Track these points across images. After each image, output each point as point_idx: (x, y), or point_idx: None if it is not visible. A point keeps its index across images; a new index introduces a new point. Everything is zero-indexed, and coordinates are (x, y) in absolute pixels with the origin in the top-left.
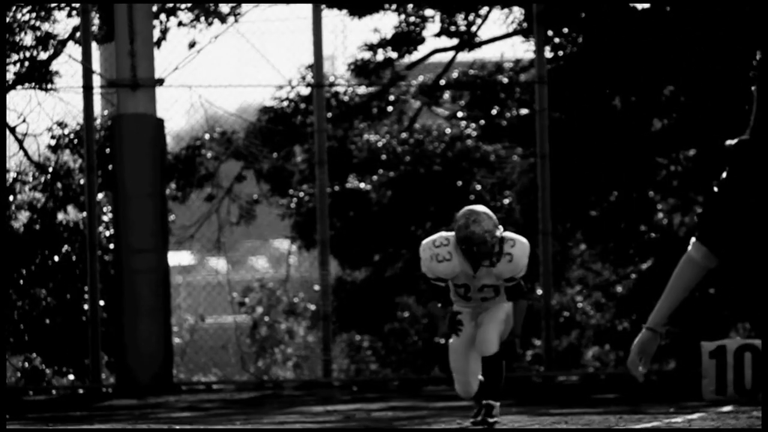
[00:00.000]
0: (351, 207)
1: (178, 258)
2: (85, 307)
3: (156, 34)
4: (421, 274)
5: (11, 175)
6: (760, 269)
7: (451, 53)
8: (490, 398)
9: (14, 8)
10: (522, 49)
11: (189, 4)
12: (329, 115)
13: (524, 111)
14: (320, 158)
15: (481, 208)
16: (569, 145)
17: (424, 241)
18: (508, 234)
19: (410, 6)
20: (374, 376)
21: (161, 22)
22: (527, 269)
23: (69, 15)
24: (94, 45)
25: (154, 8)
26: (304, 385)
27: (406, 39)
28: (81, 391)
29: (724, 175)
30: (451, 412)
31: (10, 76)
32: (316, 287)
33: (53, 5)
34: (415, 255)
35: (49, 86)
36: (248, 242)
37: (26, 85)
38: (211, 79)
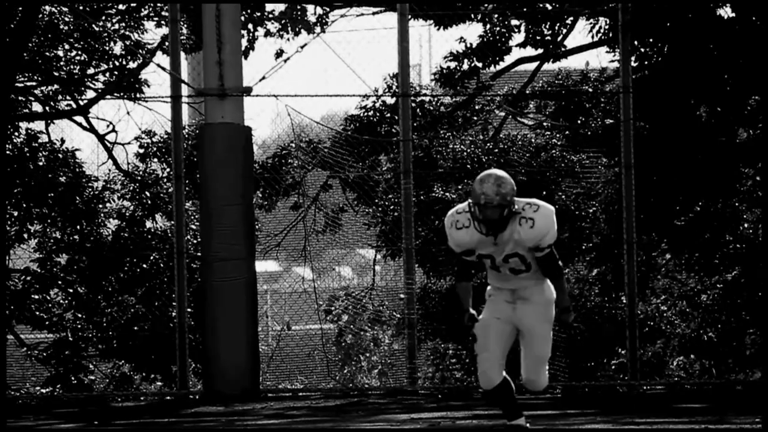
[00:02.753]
0: (436, 216)
1: (264, 266)
2: (173, 314)
3: (244, 43)
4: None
5: (100, 183)
6: None
7: (536, 63)
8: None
9: (104, 17)
10: (607, 59)
11: (279, 10)
12: (414, 124)
13: (609, 121)
14: (406, 167)
15: (499, 171)
16: (654, 154)
17: (449, 211)
18: (534, 200)
19: (496, 16)
20: (459, 384)
21: (249, 32)
22: (556, 238)
23: (158, 25)
24: (182, 54)
25: (242, 18)
26: (390, 393)
27: (491, 48)
28: (168, 397)
29: None
30: (535, 420)
31: (99, 85)
32: (402, 295)
33: (143, 15)
34: None
35: (137, 95)
36: (333, 251)
37: (115, 94)
38: (297, 88)
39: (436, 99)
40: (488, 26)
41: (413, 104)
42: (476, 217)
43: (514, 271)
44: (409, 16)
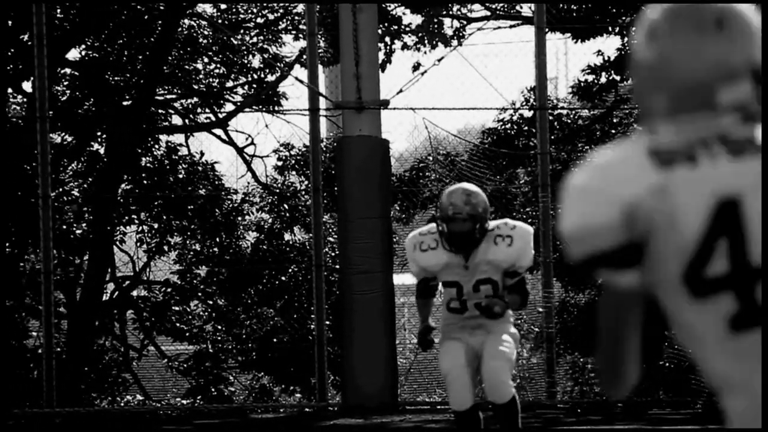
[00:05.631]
0: None
1: (401, 279)
2: (312, 326)
3: (381, 56)
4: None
5: (239, 196)
6: None
7: None
8: None
9: (242, 31)
10: None
11: (416, 24)
12: (552, 137)
13: None
14: (543, 181)
15: (470, 185)
16: None
17: (411, 233)
18: (509, 220)
19: (634, 29)
20: (598, 399)
21: (386, 45)
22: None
23: (296, 38)
24: (320, 67)
25: (380, 31)
26: (528, 407)
27: (629, 61)
28: (307, 410)
29: None
30: None
31: (237, 98)
32: (540, 309)
33: (281, 28)
34: None
35: (276, 108)
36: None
37: (254, 107)
38: (434, 101)
39: (573, 112)
40: (626, 39)
41: (551, 117)
42: (443, 233)
43: (481, 308)
44: (546, 29)
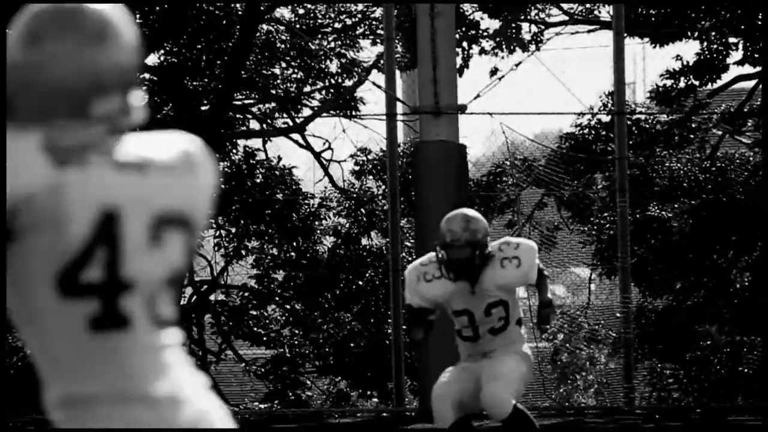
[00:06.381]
0: (652, 234)
1: None
2: (389, 331)
3: (458, 61)
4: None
5: (316, 201)
6: None
7: (754, 81)
8: None
9: (320, 36)
10: None
11: (493, 29)
12: (630, 142)
13: None
14: (621, 185)
15: (470, 210)
16: None
17: (411, 265)
18: (509, 238)
19: (713, 33)
20: (677, 405)
21: (464, 50)
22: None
23: (373, 43)
24: (397, 72)
25: (457, 36)
26: (606, 413)
27: (708, 66)
28: (385, 414)
29: None
30: None
31: (315, 103)
32: (618, 314)
33: (358, 33)
34: (718, 283)
35: (353, 113)
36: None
37: (331, 112)
38: (511, 106)
39: (652, 117)
40: (705, 44)
41: (629, 122)
42: (442, 261)
43: (494, 331)
44: (625, 34)
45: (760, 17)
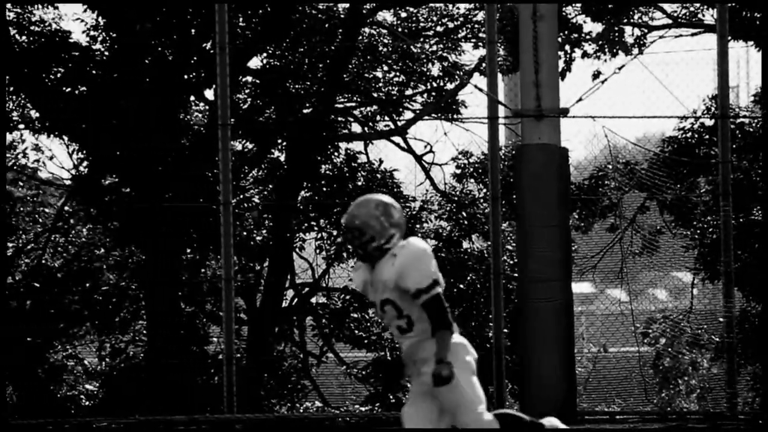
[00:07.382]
0: (756, 239)
1: (579, 288)
2: (490, 334)
3: (561, 64)
4: None
5: (418, 204)
6: None
7: None
8: None
9: (422, 39)
10: None
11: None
12: (734, 146)
13: None
14: (725, 189)
15: (376, 195)
16: None
17: None
18: (411, 238)
19: None
20: None
21: (566, 53)
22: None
23: (475, 46)
24: (499, 76)
25: (559, 39)
26: (709, 418)
27: None
28: None
29: None
30: None
31: (416, 106)
32: (721, 319)
33: (460, 36)
34: None
35: (455, 116)
36: (650, 273)
37: (433, 115)
38: (613, 110)
39: (755, 120)
40: None
41: (732, 126)
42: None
43: (401, 330)
44: (729, 38)
45: None
